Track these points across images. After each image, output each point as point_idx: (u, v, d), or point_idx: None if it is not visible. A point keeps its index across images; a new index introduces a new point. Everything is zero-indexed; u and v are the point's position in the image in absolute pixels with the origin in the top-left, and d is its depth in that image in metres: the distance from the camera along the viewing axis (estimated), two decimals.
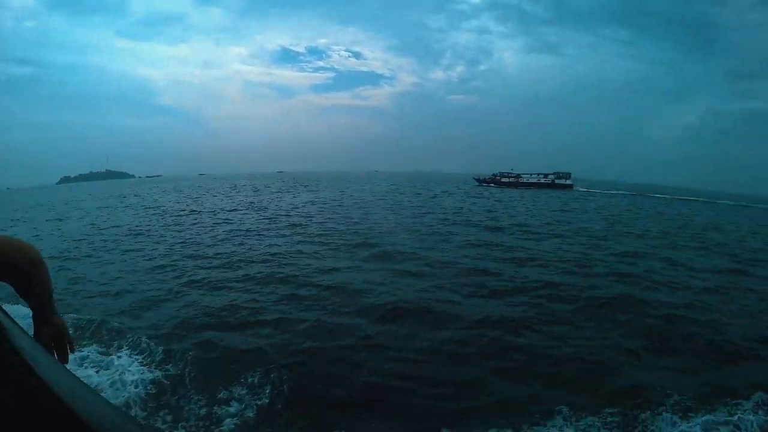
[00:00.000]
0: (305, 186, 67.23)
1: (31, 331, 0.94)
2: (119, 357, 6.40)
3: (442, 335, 7.37)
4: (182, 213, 27.30)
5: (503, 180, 79.05)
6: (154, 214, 27.20)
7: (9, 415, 0.61)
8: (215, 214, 25.74)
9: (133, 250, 14.92)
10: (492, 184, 79.03)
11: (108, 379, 5.68)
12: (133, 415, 4.61)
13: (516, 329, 7.61)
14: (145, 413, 5.12)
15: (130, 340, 6.90)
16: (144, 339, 6.85)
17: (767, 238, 22.01)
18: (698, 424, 4.88)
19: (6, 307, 0.77)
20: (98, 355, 6.46)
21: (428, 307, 8.56)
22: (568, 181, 74.55)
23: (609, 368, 6.41)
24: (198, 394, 5.47)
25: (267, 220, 22.37)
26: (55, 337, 1.09)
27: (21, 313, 1.10)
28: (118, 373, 5.83)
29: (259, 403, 5.28)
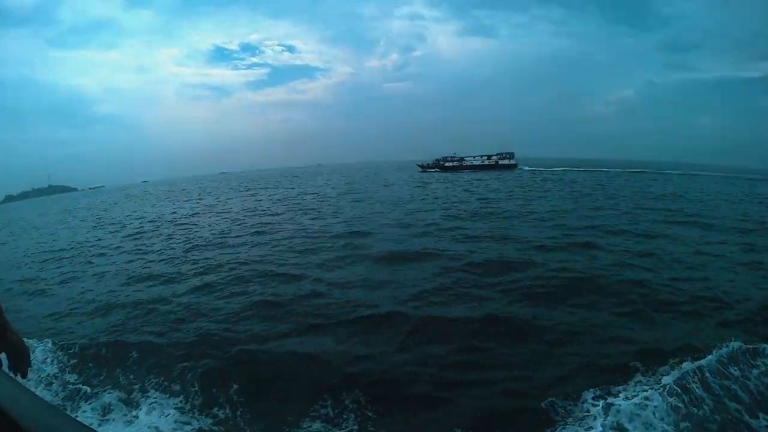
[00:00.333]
0: (247, 189, 58.38)
1: None
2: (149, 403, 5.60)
3: None
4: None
5: (447, 165, 76.90)
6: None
7: None
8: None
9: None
10: (437, 169, 76.62)
11: None
12: None
13: None
14: None
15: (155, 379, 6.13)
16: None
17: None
18: None
19: None
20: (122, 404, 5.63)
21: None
22: (512, 161, 73.46)
23: None
24: None
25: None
26: (10, 351, 1.08)
27: None
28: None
29: None
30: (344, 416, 5.04)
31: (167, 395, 5.76)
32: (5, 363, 1.08)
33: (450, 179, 51.80)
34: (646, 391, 5.01)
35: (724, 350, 5.78)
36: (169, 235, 19.47)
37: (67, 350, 7.21)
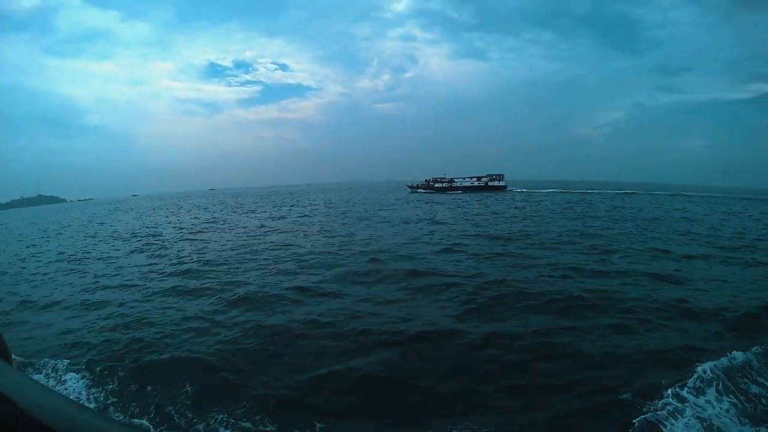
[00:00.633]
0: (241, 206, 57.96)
1: None
2: None
3: None
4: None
5: (436, 185, 75.80)
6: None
7: None
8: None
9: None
10: (430, 190, 75.41)
11: None
12: None
13: None
14: None
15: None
16: None
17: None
18: None
19: None
20: None
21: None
22: (502, 183, 72.41)
23: None
24: None
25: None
26: None
27: None
28: None
29: None
30: None
31: None
32: None
33: (451, 200, 51.11)
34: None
35: None
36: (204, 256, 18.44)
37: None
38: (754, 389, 5.65)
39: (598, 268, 12.10)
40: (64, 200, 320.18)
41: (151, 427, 5.07)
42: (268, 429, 5.05)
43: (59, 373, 6.66)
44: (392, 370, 6.35)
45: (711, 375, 5.82)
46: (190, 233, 24.57)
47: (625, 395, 5.41)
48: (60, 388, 6.09)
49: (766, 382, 5.81)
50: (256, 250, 17.10)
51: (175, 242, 20.92)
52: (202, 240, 21.29)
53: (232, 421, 5.20)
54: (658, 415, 5.03)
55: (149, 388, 5.98)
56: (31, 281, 14.02)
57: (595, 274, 11.43)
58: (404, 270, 12.15)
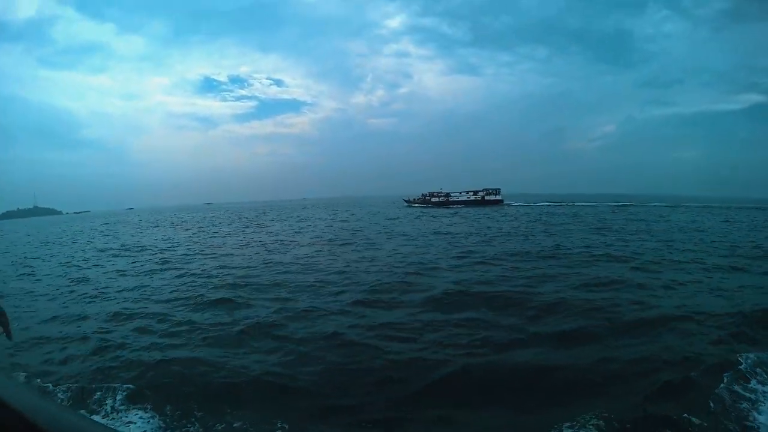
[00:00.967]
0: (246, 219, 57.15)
1: None
2: None
3: None
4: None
5: (433, 200, 75.25)
6: None
7: None
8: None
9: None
10: (427, 205, 74.87)
11: None
12: None
13: None
14: None
15: None
16: None
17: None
18: None
19: None
20: None
21: None
22: (498, 197, 72.06)
23: None
24: None
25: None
26: None
27: None
28: None
29: None
30: None
31: None
32: None
33: (457, 215, 50.54)
34: None
35: None
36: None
37: None
38: None
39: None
40: (60, 212, 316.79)
41: None
42: None
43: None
44: None
45: None
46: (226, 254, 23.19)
47: None
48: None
49: None
50: (306, 268, 15.62)
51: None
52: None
53: None
54: None
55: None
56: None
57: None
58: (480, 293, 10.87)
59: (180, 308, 10.41)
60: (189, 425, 5.19)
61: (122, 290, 12.98)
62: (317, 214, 60.61)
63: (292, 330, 8.36)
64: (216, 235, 32.93)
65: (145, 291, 12.70)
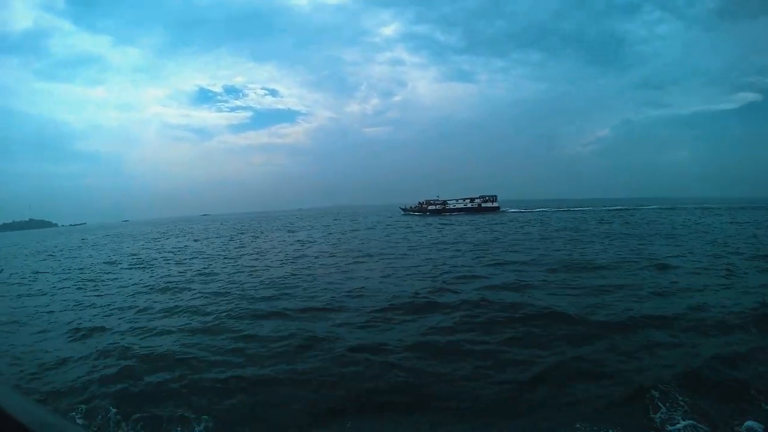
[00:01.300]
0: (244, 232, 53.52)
1: None
2: None
3: None
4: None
5: (430, 208, 74.73)
6: None
7: None
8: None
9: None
10: (424, 213, 74.40)
11: None
12: None
13: None
14: None
15: None
16: None
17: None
18: None
19: None
20: None
21: None
22: (495, 204, 71.78)
23: None
24: None
25: None
26: None
27: None
28: None
29: None
30: None
31: None
32: None
33: (460, 222, 50.04)
34: None
35: None
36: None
37: None
38: None
39: None
40: (55, 225, 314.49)
41: None
42: None
43: None
44: None
45: None
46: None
47: None
48: None
49: None
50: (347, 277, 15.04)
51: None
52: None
53: None
54: None
55: None
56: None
57: None
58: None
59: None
60: None
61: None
62: (326, 225, 59.50)
63: None
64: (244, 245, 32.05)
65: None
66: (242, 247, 30.75)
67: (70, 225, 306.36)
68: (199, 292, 13.50)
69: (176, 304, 12.06)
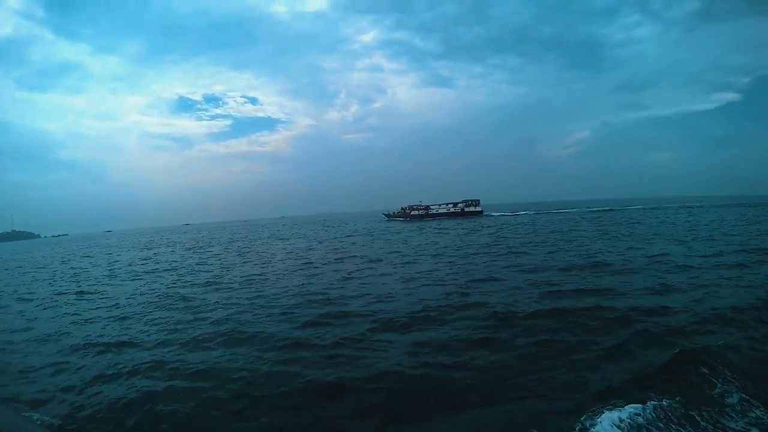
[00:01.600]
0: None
1: None
2: None
3: None
4: None
5: (413, 213, 74.99)
6: None
7: None
8: None
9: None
10: (407, 218, 74.58)
11: None
12: None
13: None
14: None
15: None
16: None
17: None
18: None
19: None
20: None
21: None
22: (478, 208, 72.35)
23: None
24: None
25: None
26: None
27: None
28: None
29: None
30: None
31: None
32: None
33: (453, 227, 50.05)
34: None
35: None
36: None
37: None
38: None
39: None
40: (38, 236, 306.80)
41: None
42: None
43: None
44: None
45: None
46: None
47: None
48: None
49: None
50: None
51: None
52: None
53: None
54: None
55: None
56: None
57: None
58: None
59: None
60: None
61: None
62: (316, 232, 58.86)
63: None
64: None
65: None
66: (247, 253, 30.22)
67: (53, 236, 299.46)
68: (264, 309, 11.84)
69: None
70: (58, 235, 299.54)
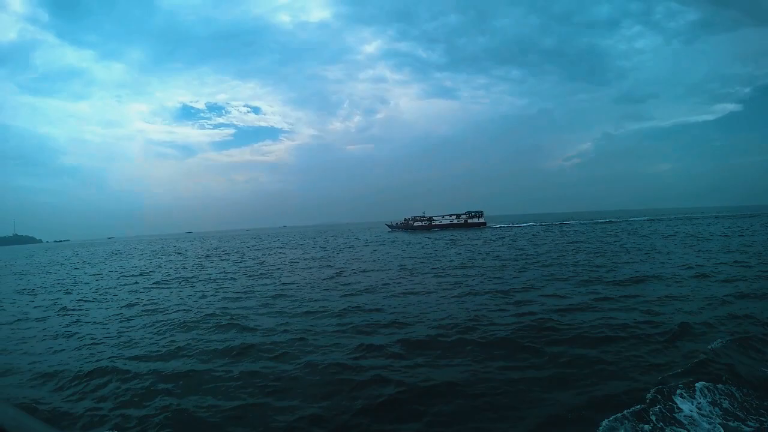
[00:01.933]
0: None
1: None
2: None
3: None
4: None
5: (416, 224, 75.08)
6: None
7: None
8: None
9: None
10: (410, 230, 74.71)
11: None
12: None
13: None
14: None
15: None
16: None
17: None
18: None
19: None
20: None
21: None
22: (481, 220, 72.55)
23: None
24: None
25: None
26: None
27: None
28: None
29: None
30: None
31: None
32: None
33: (460, 237, 50.16)
34: None
35: None
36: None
37: None
38: None
39: None
40: (39, 241, 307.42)
41: None
42: None
43: None
44: None
45: None
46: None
47: None
48: None
49: None
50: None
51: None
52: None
53: None
54: None
55: None
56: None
57: None
58: None
59: None
60: None
61: None
62: (327, 243, 58.71)
63: None
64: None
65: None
66: (262, 263, 30.20)
67: (55, 241, 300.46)
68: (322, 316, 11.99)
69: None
70: (60, 241, 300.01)
